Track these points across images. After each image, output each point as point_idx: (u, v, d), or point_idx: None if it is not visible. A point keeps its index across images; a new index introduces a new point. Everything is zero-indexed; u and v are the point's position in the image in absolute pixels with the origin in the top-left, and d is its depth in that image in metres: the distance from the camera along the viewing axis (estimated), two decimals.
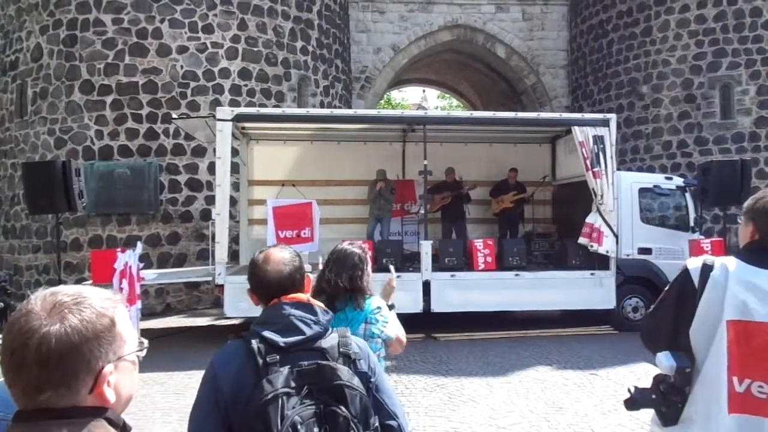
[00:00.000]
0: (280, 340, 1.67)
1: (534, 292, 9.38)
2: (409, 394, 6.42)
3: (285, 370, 1.61)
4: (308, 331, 1.71)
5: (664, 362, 1.99)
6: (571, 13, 18.43)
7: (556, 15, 18.60)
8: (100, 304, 1.06)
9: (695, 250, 9.08)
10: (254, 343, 1.67)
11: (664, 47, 15.48)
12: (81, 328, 1.02)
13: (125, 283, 8.36)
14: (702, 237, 10.12)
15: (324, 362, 1.66)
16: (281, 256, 1.86)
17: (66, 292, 1.07)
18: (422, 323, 9.31)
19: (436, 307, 9.17)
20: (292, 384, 1.60)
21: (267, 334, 1.68)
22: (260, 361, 1.64)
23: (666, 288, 2.13)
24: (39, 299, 1.04)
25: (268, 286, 1.82)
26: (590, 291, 9.43)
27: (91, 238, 12.41)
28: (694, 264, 2.04)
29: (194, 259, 12.56)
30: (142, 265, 8.90)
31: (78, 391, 1.03)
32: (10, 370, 1.01)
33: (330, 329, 1.77)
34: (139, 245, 8.91)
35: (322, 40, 14.96)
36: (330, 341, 1.73)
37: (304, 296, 1.82)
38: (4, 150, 13.85)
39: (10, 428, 1.03)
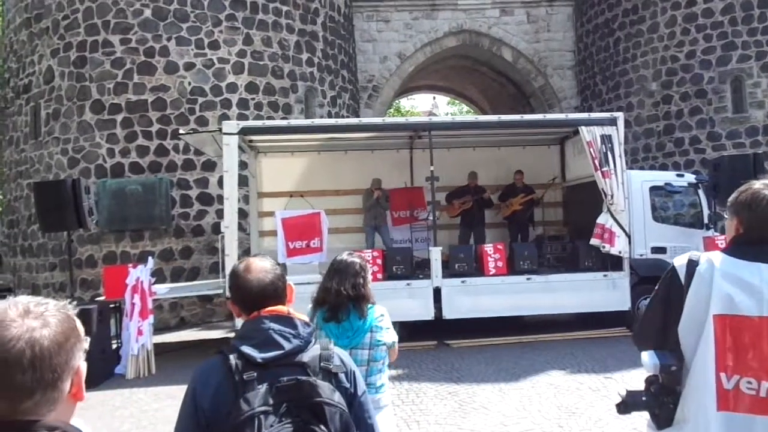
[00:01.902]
0: (258, 355, 1.65)
1: (546, 295, 9.28)
2: (420, 402, 6.37)
3: (263, 387, 1.59)
4: (287, 346, 1.68)
5: (648, 361, 1.95)
6: (577, 14, 18.34)
7: (562, 16, 18.51)
8: (61, 307, 1.12)
9: (710, 247, 8.93)
10: (232, 359, 1.65)
11: (671, 43, 15.32)
12: (62, 329, 1.07)
13: (137, 298, 8.45)
14: (717, 234, 9.96)
15: (304, 378, 1.63)
16: (262, 265, 1.85)
17: (25, 300, 1.10)
18: (434, 330, 9.28)
19: (448, 313, 9.11)
20: (271, 401, 1.58)
21: (245, 349, 1.66)
22: (237, 378, 1.62)
23: (655, 287, 2.10)
24: (4, 310, 1.06)
25: (249, 295, 1.80)
26: (604, 293, 9.30)
27: (105, 254, 12.55)
28: (680, 261, 2.00)
29: (207, 272, 12.64)
30: (153, 279, 8.97)
31: (63, 391, 1.06)
32: None
33: (312, 342, 1.74)
34: (150, 260, 8.99)
35: (327, 51, 15.05)
36: (311, 355, 1.70)
37: (285, 309, 1.80)
38: (20, 171, 14.10)
39: None
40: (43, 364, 1.03)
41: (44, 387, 1.03)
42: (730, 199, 2.04)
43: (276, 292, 1.81)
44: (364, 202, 10.91)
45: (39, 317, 1.06)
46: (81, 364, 1.11)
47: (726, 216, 2.13)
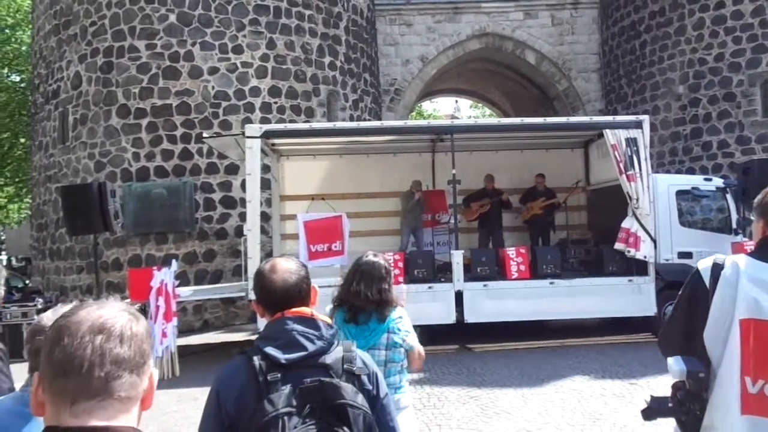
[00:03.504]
0: (282, 356, 1.65)
1: (570, 300, 9.17)
2: (442, 406, 6.32)
3: (287, 388, 1.60)
4: (311, 347, 1.68)
5: (675, 367, 1.90)
6: (602, 16, 18.14)
7: (587, 18, 18.33)
8: None
9: (738, 252, 8.72)
10: (256, 360, 1.66)
11: (699, 46, 15.06)
12: (146, 324, 1.15)
13: (161, 301, 8.53)
14: (746, 239, 9.73)
15: (327, 380, 1.63)
16: (288, 266, 1.85)
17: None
18: (456, 334, 9.21)
19: (470, 317, 9.03)
20: (294, 403, 1.58)
21: (269, 350, 1.67)
22: (261, 379, 1.63)
23: (679, 291, 2.04)
24: (100, 301, 1.13)
25: (274, 296, 1.80)
26: (629, 298, 9.16)
27: (131, 257, 12.73)
28: (704, 264, 1.94)
29: (230, 275, 12.75)
30: (177, 282, 9.06)
31: (144, 382, 1.10)
32: (92, 357, 1.03)
33: (335, 343, 1.74)
34: (174, 263, 9.08)
35: (349, 55, 15.11)
36: (334, 356, 1.70)
37: (308, 310, 1.80)
38: (48, 175, 14.39)
39: None
40: (137, 344, 1.08)
41: (133, 367, 1.07)
42: (756, 200, 1.98)
43: (300, 293, 1.81)
44: (404, 204, 10.79)
45: (129, 310, 1.14)
46: (153, 369, 1.15)
47: (751, 218, 2.06)
